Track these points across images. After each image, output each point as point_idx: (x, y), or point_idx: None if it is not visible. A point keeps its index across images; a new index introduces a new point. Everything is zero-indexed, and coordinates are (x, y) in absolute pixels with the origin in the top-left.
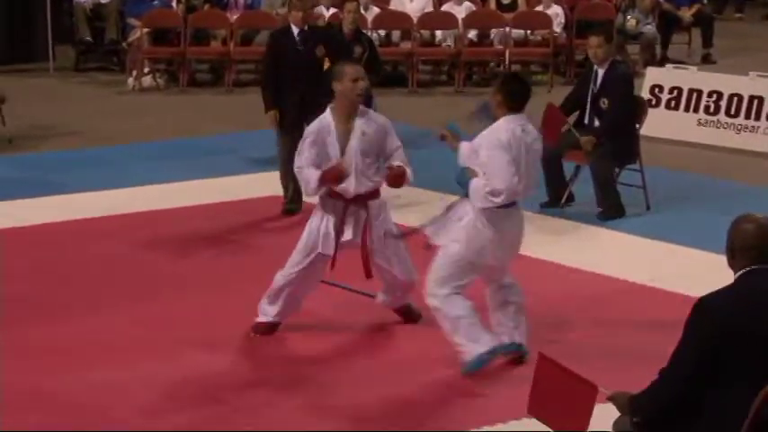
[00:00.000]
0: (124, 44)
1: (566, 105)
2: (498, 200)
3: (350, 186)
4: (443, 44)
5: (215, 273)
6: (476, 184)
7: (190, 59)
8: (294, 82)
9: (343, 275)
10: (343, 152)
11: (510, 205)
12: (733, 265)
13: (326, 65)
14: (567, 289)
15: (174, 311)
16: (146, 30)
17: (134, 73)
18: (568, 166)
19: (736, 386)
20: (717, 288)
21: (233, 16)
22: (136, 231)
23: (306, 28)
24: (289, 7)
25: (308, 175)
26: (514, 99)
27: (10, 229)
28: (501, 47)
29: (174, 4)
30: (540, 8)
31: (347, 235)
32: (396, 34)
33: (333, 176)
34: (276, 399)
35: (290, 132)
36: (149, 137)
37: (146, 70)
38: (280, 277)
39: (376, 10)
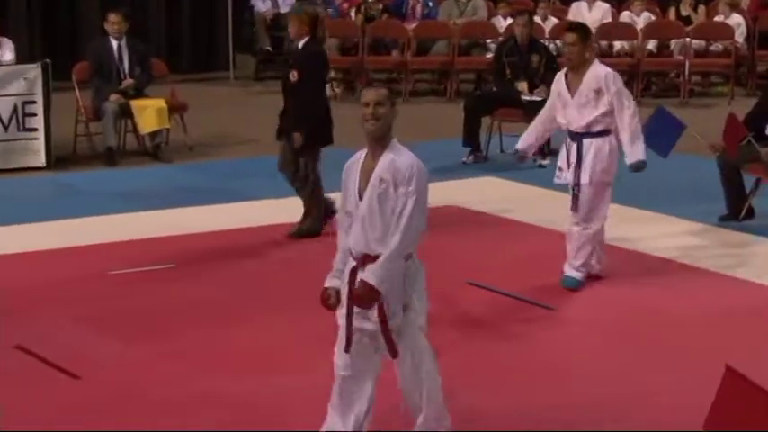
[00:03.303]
0: None
1: (750, 117)
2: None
3: (357, 244)
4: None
5: None
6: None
7: (367, 69)
8: None
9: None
10: (360, 195)
11: None
12: None
13: None
14: (749, 304)
15: None
16: (332, 40)
17: None
18: (749, 180)
19: None
20: None
21: (410, 26)
22: (311, 239)
23: None
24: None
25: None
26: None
27: (188, 235)
28: (681, 58)
29: (352, 14)
30: (720, 18)
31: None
32: None
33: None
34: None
35: None
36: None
37: None
38: None
39: (554, 20)
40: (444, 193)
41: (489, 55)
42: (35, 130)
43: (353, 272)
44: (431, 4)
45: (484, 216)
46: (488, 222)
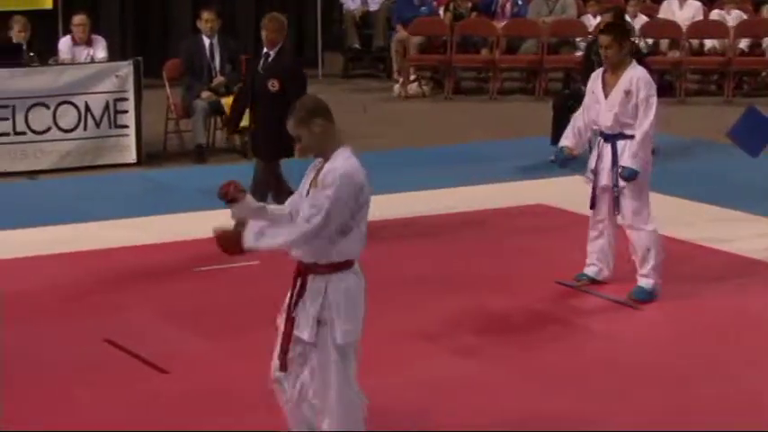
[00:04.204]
0: (392, 49)
1: None
2: None
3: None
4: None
5: (474, 276)
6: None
7: (456, 67)
8: None
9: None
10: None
11: None
12: None
13: None
14: None
15: (438, 315)
16: (415, 38)
17: (400, 80)
18: None
19: None
20: None
21: (499, 24)
22: (393, 237)
23: None
24: None
25: None
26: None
27: None
28: None
29: (441, 12)
30: None
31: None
32: (664, 43)
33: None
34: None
35: None
36: (414, 143)
37: (412, 77)
38: None
39: (644, 18)
40: (532, 191)
41: (578, 53)
42: (126, 126)
43: (296, 275)
44: (520, 2)
45: (572, 215)
46: (576, 221)
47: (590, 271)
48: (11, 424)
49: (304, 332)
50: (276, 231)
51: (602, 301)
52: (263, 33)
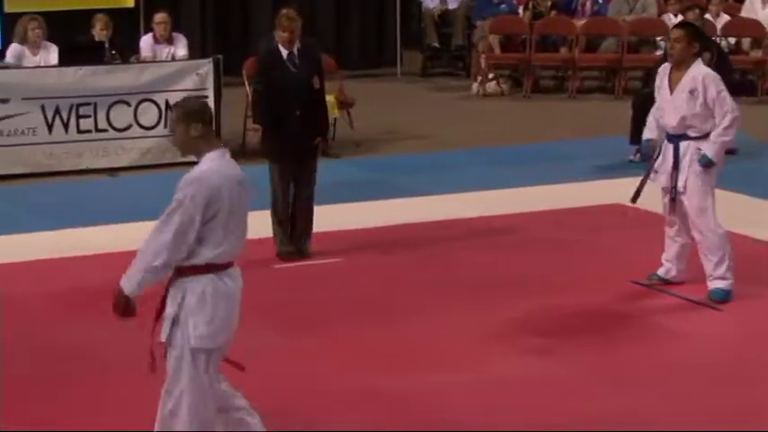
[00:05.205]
0: (479, 48)
1: None
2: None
3: None
4: None
5: (550, 275)
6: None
7: (535, 65)
8: None
9: None
10: None
11: None
12: None
13: None
14: None
15: (511, 314)
16: (493, 36)
17: (479, 78)
18: None
19: None
20: None
21: (579, 23)
22: (469, 235)
23: None
24: None
25: None
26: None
27: (354, 230)
28: None
29: (520, 11)
30: None
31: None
32: (746, 42)
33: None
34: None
35: None
36: (492, 142)
37: (490, 76)
38: None
39: (726, 17)
40: (611, 191)
41: (659, 52)
42: None
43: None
44: (600, 0)
45: (650, 215)
46: (655, 221)
47: (660, 270)
48: (81, 422)
49: (162, 333)
50: (138, 256)
51: (677, 301)
52: (284, 34)
